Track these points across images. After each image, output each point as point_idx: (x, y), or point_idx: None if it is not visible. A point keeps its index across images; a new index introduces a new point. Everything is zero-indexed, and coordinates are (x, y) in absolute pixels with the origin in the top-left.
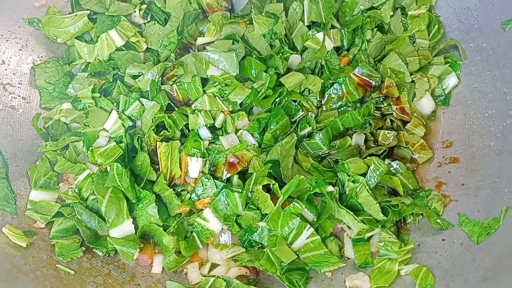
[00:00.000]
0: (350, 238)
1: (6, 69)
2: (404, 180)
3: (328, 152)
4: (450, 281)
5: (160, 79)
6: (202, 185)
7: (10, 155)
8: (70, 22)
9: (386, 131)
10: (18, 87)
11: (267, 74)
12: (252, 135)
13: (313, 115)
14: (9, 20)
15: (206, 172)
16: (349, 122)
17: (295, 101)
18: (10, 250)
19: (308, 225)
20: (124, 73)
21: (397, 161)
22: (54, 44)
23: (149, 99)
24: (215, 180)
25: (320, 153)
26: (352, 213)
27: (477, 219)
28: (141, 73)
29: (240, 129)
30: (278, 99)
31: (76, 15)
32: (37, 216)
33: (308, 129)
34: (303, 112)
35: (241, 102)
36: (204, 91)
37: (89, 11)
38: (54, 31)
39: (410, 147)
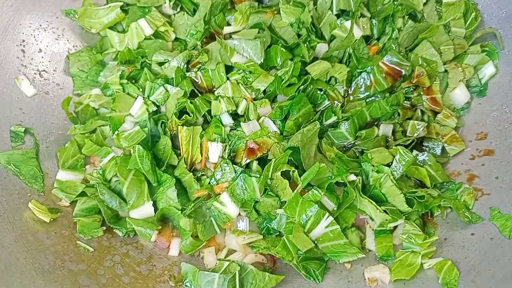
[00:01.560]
0: (373, 230)
1: (42, 57)
2: (432, 172)
3: (354, 143)
4: (476, 276)
5: (185, 66)
6: (221, 169)
7: (42, 137)
8: (103, 13)
9: (415, 122)
10: (53, 74)
11: (292, 61)
12: (274, 122)
13: (339, 105)
14: (48, 12)
15: (226, 157)
16: (377, 112)
17: (320, 90)
18: (34, 225)
19: (327, 214)
20: (151, 61)
21: (426, 153)
22: (88, 35)
23: (173, 86)
24: (234, 165)
25: (345, 143)
26: (374, 203)
27: (510, 213)
28: (167, 60)
29: (262, 116)
30: (302, 87)
31: (110, 6)
32: (62, 194)
33: (333, 119)
34: (329, 102)
35: (265, 90)
36: (227, 78)
37: (121, 3)
38: (89, 22)
39: (441, 139)
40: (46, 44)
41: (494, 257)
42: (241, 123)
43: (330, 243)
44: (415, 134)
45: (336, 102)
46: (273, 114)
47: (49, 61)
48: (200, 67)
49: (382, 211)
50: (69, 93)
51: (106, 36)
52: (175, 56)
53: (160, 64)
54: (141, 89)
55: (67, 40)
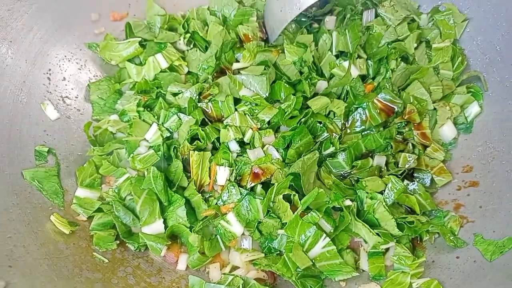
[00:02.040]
0: (366, 251)
1: (66, 85)
2: (422, 200)
3: (350, 172)
4: None
5: (197, 97)
6: (228, 191)
7: (62, 157)
8: (123, 47)
9: (407, 154)
10: (75, 100)
11: (294, 96)
12: (277, 150)
13: (337, 136)
14: (72, 44)
15: (232, 180)
16: (371, 145)
17: (320, 122)
18: (55, 236)
19: (324, 235)
20: (166, 91)
21: (416, 182)
22: (107, 66)
23: (186, 114)
24: (240, 187)
25: (342, 172)
26: (368, 226)
27: (492, 239)
28: (180, 91)
29: (266, 145)
30: (304, 119)
31: (129, 41)
32: (80, 209)
33: (331, 149)
34: (328, 134)
35: (269, 121)
36: (235, 109)
37: (140, 38)
38: (109, 55)
39: (430, 170)
40: (70, 73)
41: (476, 278)
42: (247, 150)
43: (326, 262)
44: (407, 166)
45: (334, 134)
46: (277, 143)
47: (72, 89)
48: (211, 98)
49: (375, 234)
50: (89, 118)
51: (124, 67)
52: (188, 88)
53: (174, 94)
54: (156, 117)
55: (89, 70)
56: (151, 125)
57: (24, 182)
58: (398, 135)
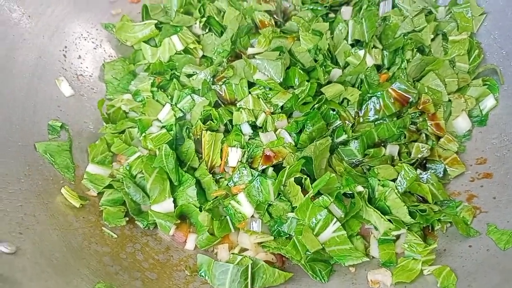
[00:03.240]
0: (376, 239)
1: (81, 63)
2: (434, 190)
3: (362, 160)
4: (472, 281)
5: (211, 79)
6: (239, 172)
7: (75, 133)
8: (139, 29)
9: (420, 144)
10: (89, 78)
11: (308, 82)
12: (290, 135)
13: (350, 124)
14: (89, 23)
15: (244, 162)
16: (384, 134)
17: (333, 110)
18: (65, 208)
19: (335, 219)
20: (181, 73)
21: (429, 172)
22: (122, 47)
23: (200, 96)
24: (251, 169)
25: (354, 160)
26: (379, 212)
27: (506, 229)
28: (195, 73)
29: (279, 129)
30: (317, 105)
31: (145, 23)
32: (91, 185)
33: (344, 137)
34: (340, 121)
35: (282, 106)
36: (249, 92)
37: (156, 21)
38: (125, 36)
39: (443, 161)
40: (85, 52)
41: (490, 266)
42: (260, 133)
43: (336, 247)
44: (419, 155)
45: (347, 122)
46: (289, 127)
47: (87, 67)
48: (225, 81)
49: (386, 220)
50: (102, 97)
51: (139, 49)
52: (202, 70)
53: (189, 76)
54: (169, 97)
55: (104, 50)
56: (164, 105)
57: (36, 155)
58: (411, 125)
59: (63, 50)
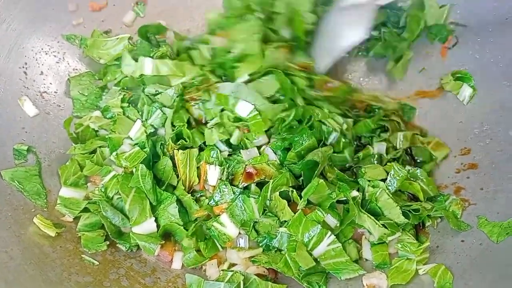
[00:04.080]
0: (369, 241)
1: (44, 79)
2: (425, 186)
3: (351, 165)
4: (469, 279)
5: (176, 98)
6: (220, 191)
7: (43, 155)
8: (111, 45)
9: (398, 133)
10: (54, 95)
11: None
12: (275, 153)
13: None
14: (49, 36)
15: (224, 179)
16: (362, 130)
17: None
18: (39, 239)
19: (329, 233)
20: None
21: (419, 168)
22: (88, 59)
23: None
24: (232, 186)
25: (345, 164)
26: (373, 217)
27: (496, 221)
28: (158, 92)
29: (263, 146)
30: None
31: (118, 38)
32: (66, 210)
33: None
34: (336, 133)
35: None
36: (222, 109)
37: (129, 35)
38: (98, 53)
39: (427, 146)
40: (47, 67)
41: (484, 260)
42: (241, 150)
43: (332, 261)
44: (400, 144)
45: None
46: (274, 145)
47: (51, 83)
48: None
49: (381, 226)
50: (69, 114)
51: (112, 65)
52: (167, 89)
53: (154, 95)
54: (140, 113)
55: (68, 63)
56: (135, 122)
57: (2, 183)
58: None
59: (23, 67)
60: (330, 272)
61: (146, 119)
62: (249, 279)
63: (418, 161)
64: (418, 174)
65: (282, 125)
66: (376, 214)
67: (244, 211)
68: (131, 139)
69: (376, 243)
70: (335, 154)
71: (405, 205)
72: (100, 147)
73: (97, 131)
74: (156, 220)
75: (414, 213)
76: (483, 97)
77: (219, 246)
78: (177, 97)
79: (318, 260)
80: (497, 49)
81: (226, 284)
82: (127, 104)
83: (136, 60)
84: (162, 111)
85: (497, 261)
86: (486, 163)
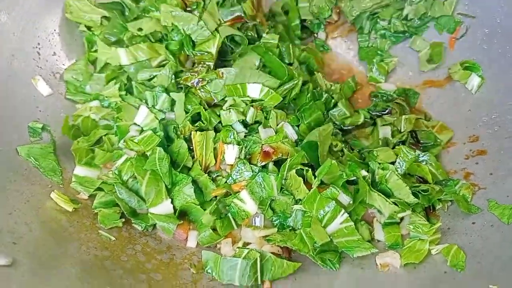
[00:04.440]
0: (380, 223)
1: (57, 60)
2: (434, 170)
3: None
4: (482, 258)
5: (173, 77)
6: (238, 169)
7: (59, 134)
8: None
9: (402, 117)
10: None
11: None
12: (293, 127)
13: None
14: (63, 18)
15: (242, 158)
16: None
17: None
18: (57, 214)
19: (343, 210)
20: (138, 80)
21: (427, 153)
22: None
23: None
24: (251, 165)
25: (340, 125)
26: (383, 195)
27: (506, 204)
28: (152, 76)
29: (280, 122)
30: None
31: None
32: (81, 188)
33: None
34: (327, 94)
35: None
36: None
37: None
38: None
39: (431, 129)
40: (60, 48)
41: (496, 241)
42: (259, 128)
43: (344, 239)
44: (403, 127)
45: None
46: (293, 120)
47: (63, 64)
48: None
49: (391, 203)
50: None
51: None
52: (161, 70)
53: (149, 80)
54: (144, 100)
55: (78, 46)
56: (138, 108)
57: (19, 159)
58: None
59: (36, 47)
60: (343, 250)
61: (153, 105)
62: (265, 256)
63: (424, 144)
64: (427, 159)
65: (291, 96)
66: (387, 195)
67: (264, 188)
68: (138, 125)
69: (387, 222)
70: (355, 140)
71: (413, 186)
72: (105, 135)
73: (97, 121)
74: (172, 202)
75: (423, 193)
76: (491, 86)
77: (234, 225)
78: (172, 75)
79: (331, 238)
80: (504, 40)
81: (244, 261)
82: (125, 92)
83: (109, 45)
84: (169, 95)
85: (509, 242)
86: (495, 149)
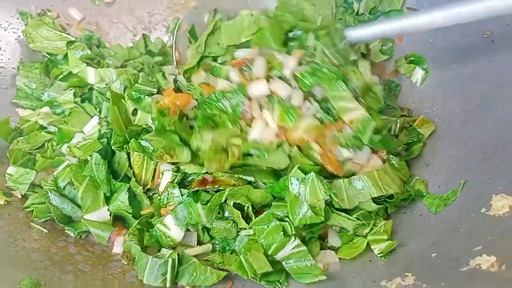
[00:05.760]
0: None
1: (2, 55)
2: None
3: None
4: (407, 247)
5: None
6: (168, 193)
7: None
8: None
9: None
10: (11, 71)
11: None
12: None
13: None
14: (9, 12)
15: (175, 182)
16: None
17: None
18: None
19: (293, 238)
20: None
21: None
22: None
23: None
24: (181, 189)
25: None
26: (343, 214)
27: (437, 193)
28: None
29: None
30: None
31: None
32: (13, 184)
33: None
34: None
35: None
36: None
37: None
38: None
39: (412, 123)
40: (6, 43)
41: (421, 231)
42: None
43: (296, 264)
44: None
45: None
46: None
47: (8, 59)
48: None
49: (354, 219)
50: None
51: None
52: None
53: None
54: (98, 110)
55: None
56: (92, 117)
57: None
58: None
59: None
60: (293, 276)
61: (105, 116)
62: (188, 260)
63: (407, 143)
64: (395, 163)
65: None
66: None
67: (190, 215)
68: (84, 133)
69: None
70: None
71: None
72: (48, 141)
73: (45, 127)
74: (108, 209)
75: (389, 200)
76: (434, 79)
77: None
78: (124, 88)
79: (282, 261)
80: (448, 33)
81: (153, 259)
82: (80, 99)
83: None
84: None
85: (433, 230)
86: (432, 141)
